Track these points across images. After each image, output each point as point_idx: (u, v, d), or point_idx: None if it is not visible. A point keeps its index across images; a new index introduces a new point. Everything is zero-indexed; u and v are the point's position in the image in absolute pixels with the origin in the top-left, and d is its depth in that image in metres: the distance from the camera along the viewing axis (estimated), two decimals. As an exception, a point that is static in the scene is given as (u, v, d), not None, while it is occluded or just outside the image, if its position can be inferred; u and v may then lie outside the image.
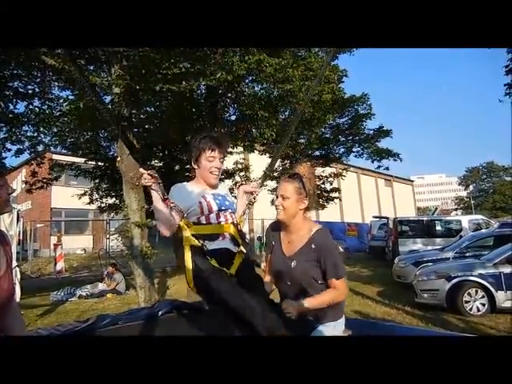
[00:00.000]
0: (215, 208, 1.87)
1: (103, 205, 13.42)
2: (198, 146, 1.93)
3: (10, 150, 9.11)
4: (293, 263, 1.88)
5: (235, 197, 2.22)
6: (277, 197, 1.96)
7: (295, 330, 1.77)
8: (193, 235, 1.81)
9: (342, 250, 18.32)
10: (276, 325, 1.69)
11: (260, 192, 2.10)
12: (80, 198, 13.21)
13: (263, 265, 2.20)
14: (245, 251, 1.89)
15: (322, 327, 1.84)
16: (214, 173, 1.93)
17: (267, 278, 2.05)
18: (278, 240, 2.02)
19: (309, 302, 1.77)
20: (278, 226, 2.04)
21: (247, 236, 2.09)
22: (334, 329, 1.86)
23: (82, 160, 12.71)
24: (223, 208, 1.90)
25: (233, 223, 1.91)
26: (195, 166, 1.98)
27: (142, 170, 1.70)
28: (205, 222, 1.85)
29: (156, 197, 1.73)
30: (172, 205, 1.78)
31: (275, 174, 15.49)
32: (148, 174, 1.67)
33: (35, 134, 9.17)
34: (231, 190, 10.62)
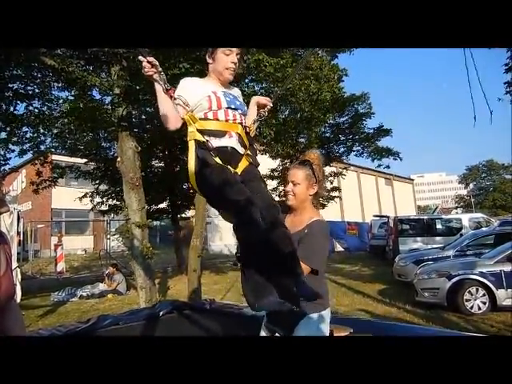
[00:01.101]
0: (225, 105, 1.76)
1: (104, 207, 13.42)
2: None
3: (13, 151, 9.14)
4: None
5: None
6: (287, 182, 1.96)
7: (279, 323, 1.82)
8: (198, 130, 1.71)
9: (341, 248, 18.34)
10: (273, 221, 1.63)
11: (271, 105, 1.99)
12: (81, 200, 13.24)
13: None
14: (252, 155, 1.81)
15: (304, 319, 1.82)
16: (229, 68, 1.80)
17: None
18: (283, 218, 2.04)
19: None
20: (285, 208, 2.05)
21: None
22: (315, 321, 1.84)
23: (83, 161, 12.72)
24: (233, 106, 1.79)
25: (241, 123, 1.80)
26: (210, 61, 1.84)
27: (141, 57, 1.56)
28: (212, 118, 1.73)
29: (158, 87, 1.63)
30: (176, 96, 1.67)
31: (275, 174, 15.50)
32: (147, 62, 1.55)
33: (35, 135, 9.18)
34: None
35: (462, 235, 10.91)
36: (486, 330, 5.26)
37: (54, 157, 13.67)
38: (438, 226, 13.34)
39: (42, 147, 9.81)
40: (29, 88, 8.19)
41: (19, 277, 6.53)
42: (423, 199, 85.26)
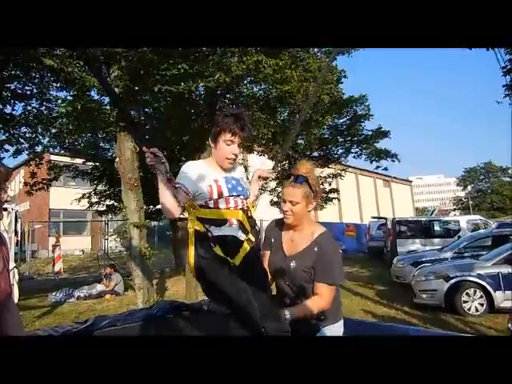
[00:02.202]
0: (226, 193, 1.74)
1: (102, 206, 13.39)
2: (220, 123, 1.76)
3: (7, 151, 9.08)
4: (292, 263, 1.86)
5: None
6: (284, 202, 1.89)
7: (294, 333, 1.76)
8: (198, 218, 1.70)
9: (340, 250, 18.33)
10: (274, 324, 1.65)
11: (273, 177, 2.04)
12: (79, 201, 13.20)
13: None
14: (253, 239, 1.78)
15: (322, 330, 1.84)
16: (229, 158, 1.78)
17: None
18: (279, 237, 1.99)
19: (291, 313, 1.75)
20: (279, 224, 2.02)
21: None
22: (332, 331, 1.85)
23: (81, 161, 12.69)
24: (235, 194, 1.77)
25: (242, 209, 1.78)
26: (212, 145, 1.83)
27: (144, 148, 1.58)
28: (213, 207, 1.72)
29: (160, 177, 1.63)
30: (177, 185, 1.66)
31: (274, 176, 15.50)
32: (151, 153, 1.56)
33: (33, 136, 9.15)
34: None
35: (459, 237, 10.93)
36: (484, 332, 5.27)
37: (52, 157, 13.66)
38: (436, 228, 13.36)
39: (39, 147, 9.77)
40: (27, 88, 8.18)
41: (17, 277, 6.51)
42: (421, 201, 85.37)
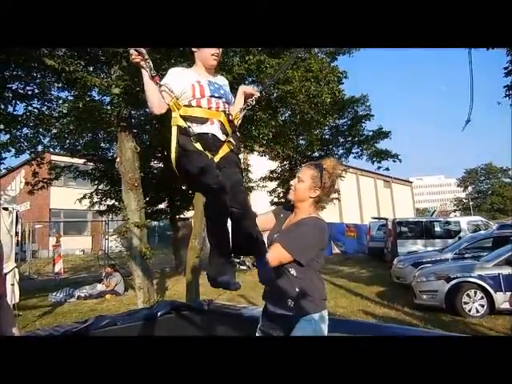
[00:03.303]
0: (208, 93, 1.83)
1: (102, 206, 13.40)
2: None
3: (9, 151, 9.10)
4: (276, 235, 1.96)
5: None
6: (294, 177, 2.01)
7: (273, 324, 1.86)
8: (181, 116, 1.78)
9: (338, 251, 18.32)
10: (240, 209, 1.73)
11: (258, 95, 2.03)
12: (80, 201, 13.21)
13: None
14: (234, 143, 1.86)
15: (302, 320, 1.81)
16: (214, 54, 1.87)
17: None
18: (285, 216, 2.07)
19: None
20: (289, 208, 2.09)
21: None
22: (314, 322, 1.82)
23: (81, 161, 12.70)
24: (216, 95, 1.85)
25: (224, 111, 1.86)
26: (195, 49, 1.92)
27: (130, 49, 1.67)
28: (195, 105, 1.81)
29: (145, 74, 1.73)
30: (162, 85, 1.76)
31: (274, 175, 15.52)
32: (135, 50, 1.64)
33: (35, 136, 9.16)
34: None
35: (460, 238, 10.92)
36: (484, 333, 5.26)
37: (53, 157, 13.67)
38: (437, 229, 13.35)
39: (40, 147, 9.80)
40: (28, 88, 8.18)
41: (17, 277, 6.50)
42: (422, 202, 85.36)
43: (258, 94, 2.04)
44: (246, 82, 8.76)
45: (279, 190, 15.56)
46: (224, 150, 1.82)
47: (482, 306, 6.18)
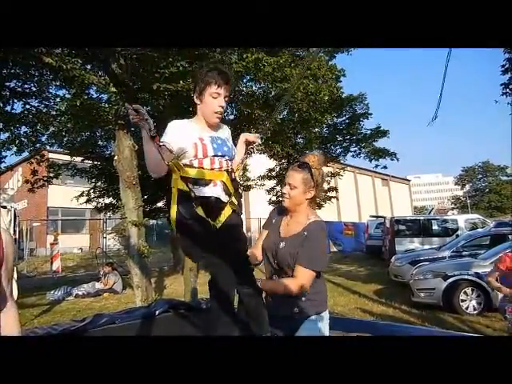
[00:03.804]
0: (211, 153, 1.72)
1: (100, 204, 13.37)
2: (204, 78, 1.75)
3: (9, 149, 9.10)
4: (282, 244, 1.92)
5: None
6: (285, 184, 1.96)
7: (278, 324, 1.83)
8: (182, 178, 1.69)
9: (335, 249, 18.33)
10: (246, 289, 1.70)
11: (260, 141, 1.99)
12: (78, 199, 13.17)
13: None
14: (235, 203, 1.79)
15: (306, 321, 1.84)
16: (217, 112, 1.77)
17: (256, 251, 2.03)
18: (278, 221, 2.04)
19: (262, 283, 1.81)
20: (282, 209, 2.07)
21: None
22: (318, 322, 1.85)
23: (79, 159, 12.66)
24: (220, 154, 1.76)
25: (227, 171, 1.77)
26: (197, 101, 1.82)
27: (127, 105, 1.58)
28: (197, 166, 1.71)
29: (144, 134, 1.62)
30: (161, 143, 1.64)
31: (273, 174, 15.50)
32: (133, 110, 1.55)
33: (33, 134, 9.13)
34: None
35: (457, 236, 10.95)
36: (481, 331, 5.29)
37: (51, 155, 13.63)
38: (434, 227, 13.38)
39: (38, 145, 9.78)
40: (26, 86, 8.14)
41: (15, 275, 6.49)
42: (419, 200, 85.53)
43: (260, 141, 1.99)
44: (244, 80, 8.76)
45: (277, 188, 15.54)
46: (227, 213, 1.73)
47: (479, 303, 6.21)
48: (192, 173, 1.70)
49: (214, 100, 1.76)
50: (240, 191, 1.87)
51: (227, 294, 1.64)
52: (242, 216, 1.88)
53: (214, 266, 1.66)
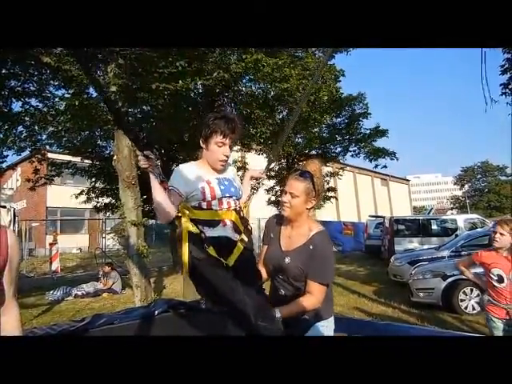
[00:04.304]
0: (219, 195, 1.74)
1: (99, 204, 13.36)
2: (211, 125, 1.76)
3: (10, 149, 9.11)
4: (287, 259, 1.88)
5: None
6: (285, 193, 1.91)
7: (287, 331, 1.77)
8: (191, 220, 1.71)
9: (335, 249, 18.33)
10: (267, 324, 1.66)
11: (265, 177, 2.02)
12: (77, 197, 13.16)
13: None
14: (246, 240, 1.79)
15: (314, 327, 1.85)
16: (221, 160, 1.79)
17: (261, 268, 2.02)
18: (277, 233, 2.00)
19: (281, 311, 1.78)
20: (278, 220, 2.03)
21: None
22: (323, 328, 1.86)
23: (78, 159, 12.65)
24: (228, 195, 1.78)
25: (235, 210, 1.79)
26: (203, 146, 1.83)
27: (138, 152, 1.60)
28: (206, 208, 1.73)
29: (153, 180, 1.64)
30: (170, 188, 1.68)
31: (272, 174, 15.50)
32: (143, 156, 1.58)
33: (32, 133, 9.13)
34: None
35: (457, 236, 10.96)
36: (480, 330, 5.29)
37: (50, 155, 13.60)
38: (434, 227, 13.39)
39: (38, 145, 9.79)
40: (25, 86, 8.14)
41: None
42: (419, 200, 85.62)
43: (265, 176, 2.02)
44: (244, 81, 8.76)
45: (277, 188, 15.54)
46: (238, 250, 1.74)
47: (478, 303, 6.21)
48: (201, 215, 1.73)
49: (218, 149, 1.78)
50: (249, 227, 1.87)
51: (250, 329, 1.62)
52: (253, 252, 1.88)
53: (229, 304, 1.65)
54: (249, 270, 1.78)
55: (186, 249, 1.71)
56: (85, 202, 13.33)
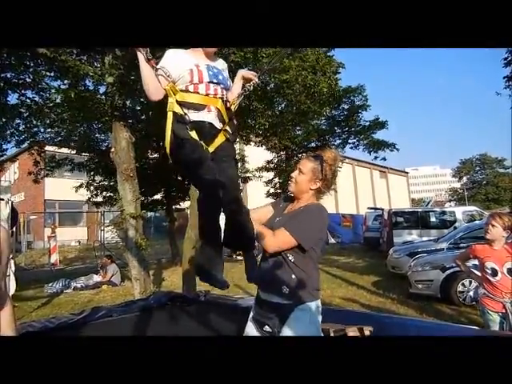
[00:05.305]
0: (206, 79, 1.75)
1: (100, 198, 13.32)
2: None
3: (9, 142, 9.07)
4: (279, 218, 1.96)
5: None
6: (295, 169, 2.00)
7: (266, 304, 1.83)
8: (177, 102, 1.72)
9: (334, 241, 18.40)
10: (235, 215, 1.72)
11: (257, 80, 1.97)
12: (77, 190, 13.13)
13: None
14: (230, 131, 1.82)
15: (295, 310, 1.81)
16: None
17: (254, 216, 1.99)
18: (285, 205, 2.08)
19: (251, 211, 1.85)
20: (289, 198, 2.11)
21: None
22: (309, 312, 1.82)
23: (75, 151, 12.59)
24: (215, 81, 1.79)
25: (222, 98, 1.81)
26: None
27: None
28: (192, 91, 1.74)
29: (140, 57, 1.66)
30: (158, 67, 1.69)
31: (271, 166, 15.47)
32: None
33: (29, 126, 9.08)
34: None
35: (455, 228, 10.99)
36: (478, 322, 5.32)
37: (48, 147, 13.54)
38: (432, 219, 13.42)
39: (37, 138, 9.74)
40: (21, 77, 8.05)
41: (13, 268, 6.47)
42: (417, 192, 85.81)
43: (257, 80, 1.98)
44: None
45: (276, 180, 15.54)
46: (220, 139, 1.78)
47: (471, 296, 6.23)
48: (187, 97, 1.74)
49: None
50: (235, 122, 1.88)
51: (215, 211, 1.66)
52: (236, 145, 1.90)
53: (204, 187, 1.68)
54: (227, 160, 1.79)
55: (169, 129, 1.73)
56: (86, 201, 13.27)
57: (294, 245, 1.82)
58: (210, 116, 1.76)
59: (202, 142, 1.70)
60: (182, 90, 1.74)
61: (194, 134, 1.69)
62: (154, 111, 9.02)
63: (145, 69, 1.68)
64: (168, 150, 1.76)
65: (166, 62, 1.75)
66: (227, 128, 1.80)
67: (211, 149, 1.74)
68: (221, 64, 1.93)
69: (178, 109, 1.72)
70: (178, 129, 1.70)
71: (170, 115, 1.74)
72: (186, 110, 1.72)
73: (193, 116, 1.72)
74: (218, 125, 1.79)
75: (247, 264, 1.84)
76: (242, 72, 2.02)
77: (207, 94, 1.76)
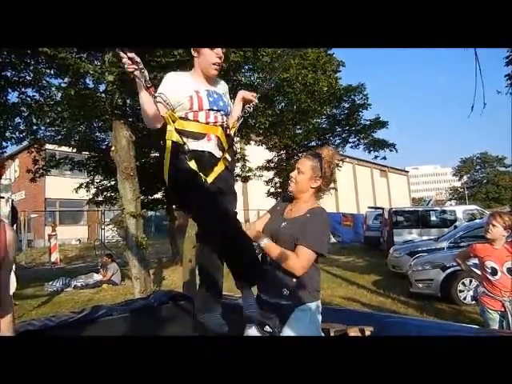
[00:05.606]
0: (206, 106, 1.72)
1: (99, 198, 13.30)
2: None
3: (10, 140, 9.05)
4: (283, 223, 1.93)
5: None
6: (294, 169, 2.00)
7: (268, 306, 1.82)
8: (176, 130, 1.67)
9: (334, 240, 18.39)
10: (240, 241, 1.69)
11: (257, 101, 1.95)
12: (77, 191, 13.12)
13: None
14: (229, 159, 1.79)
15: (298, 307, 1.82)
16: (215, 63, 1.74)
17: (257, 228, 2.00)
18: (282, 207, 2.07)
19: (267, 245, 1.80)
20: (287, 199, 2.10)
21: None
22: (309, 312, 1.82)
23: (75, 150, 12.58)
24: (215, 108, 1.75)
25: (222, 126, 1.77)
26: (194, 54, 1.78)
27: (121, 53, 1.53)
28: (192, 119, 1.70)
29: (139, 84, 1.61)
30: (157, 95, 1.64)
31: (271, 165, 15.45)
32: (128, 59, 1.51)
33: (29, 124, 9.07)
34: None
35: (456, 227, 10.97)
36: (479, 321, 5.31)
37: (48, 146, 13.54)
38: (433, 218, 13.41)
39: (37, 136, 9.74)
40: (21, 75, 8.04)
41: (13, 267, 6.46)
42: (418, 191, 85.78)
43: (257, 101, 1.95)
44: (243, 70, 8.66)
45: (276, 179, 15.52)
46: (219, 168, 1.73)
47: (472, 295, 6.22)
48: (187, 125, 1.69)
49: (211, 50, 1.72)
50: (234, 148, 1.87)
51: (213, 248, 1.65)
52: (234, 173, 1.92)
53: (202, 220, 1.66)
54: (226, 189, 1.77)
55: (168, 159, 1.69)
56: (87, 202, 13.25)
57: (315, 257, 1.83)
58: (209, 145, 1.72)
59: (201, 174, 1.66)
60: (181, 118, 1.70)
61: (192, 164, 1.65)
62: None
63: (143, 96, 1.63)
64: (166, 180, 1.72)
65: (165, 87, 1.70)
66: (226, 156, 1.77)
67: (210, 179, 1.69)
68: (222, 87, 1.88)
69: (177, 138, 1.66)
70: (176, 158, 1.66)
71: (168, 144, 1.69)
72: (185, 139, 1.67)
73: (192, 145, 1.68)
74: (218, 153, 1.74)
75: (245, 300, 1.79)
76: (242, 93, 1.99)
77: (207, 123, 1.72)
